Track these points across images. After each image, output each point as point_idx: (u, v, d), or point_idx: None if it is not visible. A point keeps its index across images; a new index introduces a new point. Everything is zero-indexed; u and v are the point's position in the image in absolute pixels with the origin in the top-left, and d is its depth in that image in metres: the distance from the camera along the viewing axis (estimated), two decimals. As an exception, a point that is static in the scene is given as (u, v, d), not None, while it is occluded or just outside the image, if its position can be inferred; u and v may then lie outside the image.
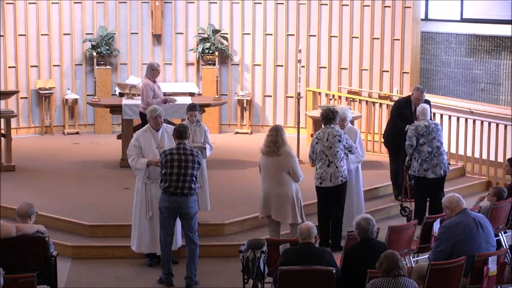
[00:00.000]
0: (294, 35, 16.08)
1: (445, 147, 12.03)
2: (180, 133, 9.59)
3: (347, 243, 8.53)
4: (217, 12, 16.32)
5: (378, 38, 15.32)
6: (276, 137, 10.00)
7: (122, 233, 10.71)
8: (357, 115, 14.46)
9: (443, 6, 15.97)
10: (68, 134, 16.03)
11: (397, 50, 15.15)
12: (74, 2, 16.07)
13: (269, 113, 16.45)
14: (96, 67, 15.36)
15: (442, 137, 11.70)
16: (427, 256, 8.84)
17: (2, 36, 15.64)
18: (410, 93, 12.59)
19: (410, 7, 14.97)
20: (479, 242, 8.26)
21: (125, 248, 10.39)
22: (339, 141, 10.54)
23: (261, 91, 16.42)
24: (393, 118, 12.43)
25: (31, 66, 15.94)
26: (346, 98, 15.38)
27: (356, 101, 15.27)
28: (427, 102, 12.15)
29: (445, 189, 11.57)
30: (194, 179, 9.52)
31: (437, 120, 13.67)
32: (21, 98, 15.87)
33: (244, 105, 16.34)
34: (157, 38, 16.40)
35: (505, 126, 13.34)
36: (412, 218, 11.33)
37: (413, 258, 9.58)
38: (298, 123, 14.14)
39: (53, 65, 16.10)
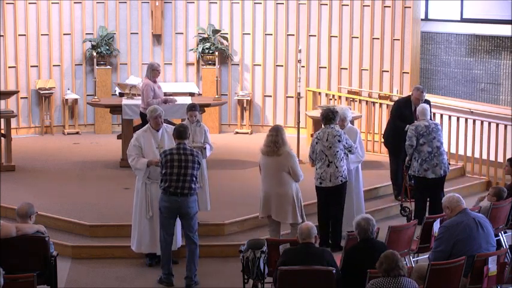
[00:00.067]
0: (294, 35, 16.09)
1: (445, 147, 12.03)
2: (180, 133, 9.60)
3: (347, 243, 8.53)
4: (217, 12, 16.32)
5: (378, 38, 15.32)
6: (276, 137, 10.00)
7: (122, 233, 10.71)
8: (357, 115, 14.46)
9: (443, 6, 15.97)
10: (68, 134, 16.03)
11: (397, 50, 15.15)
12: (74, 2, 16.07)
13: (269, 113, 16.45)
14: (96, 67, 15.36)
15: (442, 137, 11.70)
16: (427, 256, 8.84)
17: (2, 36, 15.65)
18: (410, 93, 12.59)
19: (410, 7, 14.97)
20: (479, 242, 8.26)
21: (125, 248, 10.39)
22: (339, 141, 10.54)
23: (261, 91, 16.42)
24: (393, 118, 12.42)
25: (31, 66, 15.94)
26: (346, 98, 15.38)
27: (356, 101, 15.27)
28: (427, 102, 12.15)
29: (445, 189, 11.57)
30: (194, 179, 9.52)
31: (437, 120, 13.67)
32: (21, 98, 15.87)
33: (244, 105, 16.34)
34: (157, 38, 16.40)
35: (505, 126, 13.34)
36: (412, 218, 11.33)
37: (413, 258, 9.57)
38: (298, 123, 14.14)
39: (53, 65, 16.10)
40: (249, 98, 16.29)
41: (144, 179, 10.08)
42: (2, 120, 13.31)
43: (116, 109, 13.75)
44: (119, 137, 13.82)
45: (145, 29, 16.36)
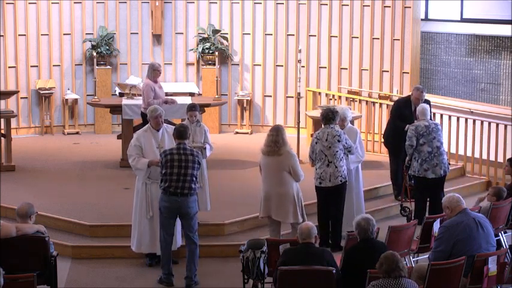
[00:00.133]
0: (294, 35, 16.09)
1: (445, 147, 12.03)
2: (181, 133, 9.59)
3: (347, 243, 8.53)
4: (217, 12, 16.32)
5: (378, 38, 15.32)
6: (276, 137, 10.00)
7: (122, 233, 10.71)
8: (357, 115, 14.46)
9: (443, 6, 15.97)
10: (68, 134, 16.03)
11: (397, 50, 15.15)
12: (74, 2, 16.07)
13: (269, 113, 16.45)
14: (96, 67, 15.36)
15: (442, 137, 11.70)
16: (427, 256, 8.84)
17: (2, 36, 15.65)
18: (410, 93, 12.59)
19: (410, 7, 14.97)
20: (479, 242, 8.26)
21: (125, 248, 10.39)
22: (339, 141, 10.54)
23: (261, 91, 16.42)
24: (393, 118, 12.42)
25: (31, 66, 15.94)
26: (346, 98, 15.38)
27: (356, 101, 15.27)
28: (427, 102, 12.15)
29: (445, 189, 11.57)
30: (194, 179, 9.52)
31: (437, 120, 13.67)
32: (21, 98, 15.87)
33: (244, 105, 16.34)
34: (157, 38, 16.40)
35: (505, 126, 13.34)
36: (412, 218, 11.33)
37: (413, 258, 9.57)
38: (298, 123, 14.14)
39: (53, 65, 16.10)
40: (249, 98, 16.29)
41: (144, 179, 10.08)
42: (2, 120, 13.31)
43: (116, 109, 13.75)
44: (118, 137, 13.82)
45: (145, 29, 16.37)
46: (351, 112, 12.49)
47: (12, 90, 15.31)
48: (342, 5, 15.64)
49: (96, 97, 14.52)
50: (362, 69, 15.54)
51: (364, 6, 15.42)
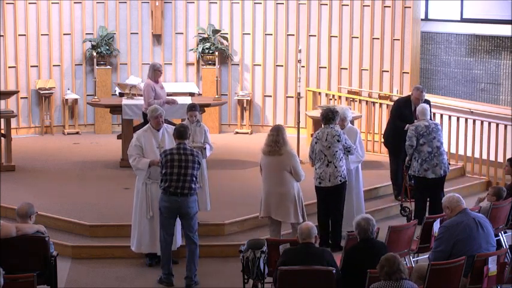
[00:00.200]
0: (294, 35, 16.09)
1: (445, 147, 12.03)
2: (181, 133, 9.59)
3: (347, 243, 8.53)
4: (217, 12, 16.32)
5: (378, 38, 15.32)
6: (277, 137, 10.00)
7: (122, 233, 10.71)
8: (357, 115, 14.46)
9: (443, 6, 15.97)
10: (68, 134, 16.03)
11: (397, 50, 15.15)
12: (74, 2, 16.07)
13: (269, 113, 16.45)
14: (96, 67, 15.37)
15: (442, 137, 11.70)
16: (427, 256, 8.84)
17: (2, 36, 15.65)
18: (410, 93, 12.59)
19: (410, 7, 14.97)
20: (479, 242, 8.26)
21: (124, 248, 10.39)
22: (338, 141, 10.53)
23: (261, 91, 16.43)
24: (393, 118, 12.42)
25: (31, 66, 15.94)
26: (346, 98, 15.38)
27: (356, 101, 15.27)
28: (427, 102, 12.15)
29: (445, 189, 11.57)
30: (194, 179, 9.52)
31: (437, 120, 13.67)
32: (21, 98, 15.87)
33: (244, 105, 16.34)
34: (157, 38, 16.40)
35: (505, 126, 13.34)
36: (412, 218, 11.33)
37: (413, 258, 9.57)
38: (298, 123, 14.14)
39: (53, 65, 16.10)
40: (249, 98, 16.29)
41: (144, 179, 10.08)
42: (2, 120, 13.31)
43: (116, 109, 13.75)
44: (119, 137, 13.82)
45: (145, 29, 16.37)
46: (351, 112, 12.49)
47: (12, 90, 15.32)
48: (342, 5, 15.64)
49: (96, 97, 14.52)
50: (362, 69, 15.54)
51: (364, 6, 15.42)
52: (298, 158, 10.31)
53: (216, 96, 14.87)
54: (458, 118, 13.94)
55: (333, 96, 15.57)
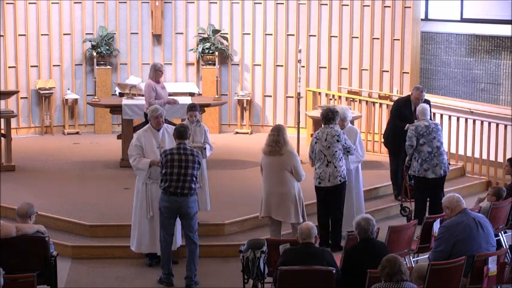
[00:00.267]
0: (294, 35, 16.09)
1: (445, 147, 12.03)
2: (181, 133, 9.60)
3: (347, 243, 8.53)
4: (217, 12, 16.32)
5: (378, 38, 15.32)
6: (278, 137, 10.01)
7: (122, 233, 10.71)
8: (357, 115, 14.46)
9: (443, 6, 15.97)
10: (68, 134, 16.03)
11: (397, 50, 15.15)
12: (74, 2, 16.07)
13: (269, 113, 16.45)
14: (96, 67, 15.37)
15: (442, 137, 11.70)
16: (427, 256, 8.84)
17: (2, 36, 15.65)
18: (410, 93, 12.59)
19: (410, 7, 14.97)
20: (479, 242, 8.26)
21: (124, 248, 10.39)
22: (338, 141, 10.53)
23: (261, 91, 16.43)
24: (393, 118, 12.42)
25: (31, 66, 15.94)
26: (346, 98, 15.38)
27: (356, 101, 15.27)
28: (427, 102, 12.15)
29: (445, 189, 11.57)
30: (194, 179, 9.52)
31: (437, 120, 13.67)
32: (21, 98, 15.87)
33: (244, 105, 16.34)
34: (157, 38, 16.40)
35: (505, 126, 13.34)
36: (412, 218, 11.33)
37: (413, 258, 9.57)
38: (298, 123, 14.15)
39: (53, 65, 16.11)
40: (249, 98, 16.29)
41: (145, 179, 10.08)
42: (2, 120, 13.31)
43: (116, 109, 13.75)
44: (119, 137, 13.82)
45: (145, 29, 16.37)
46: (351, 112, 12.49)
47: (12, 90, 15.32)
48: (342, 5, 15.64)
49: (96, 97, 14.52)
50: (362, 69, 15.54)
51: (364, 6, 15.42)
52: (299, 157, 10.31)
53: (216, 96, 14.87)
54: (458, 118, 13.94)
55: (333, 96, 15.57)
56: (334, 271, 7.67)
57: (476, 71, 15.51)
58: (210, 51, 16.09)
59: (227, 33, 16.29)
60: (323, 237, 10.56)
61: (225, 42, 16.30)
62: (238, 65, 16.43)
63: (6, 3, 15.64)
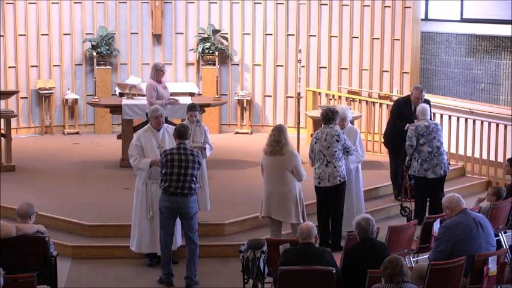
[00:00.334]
0: (294, 35, 16.09)
1: (445, 147, 12.03)
2: (181, 133, 9.60)
3: (347, 243, 8.53)
4: (217, 12, 16.32)
5: (378, 38, 15.32)
6: (279, 137, 10.01)
7: (122, 233, 10.70)
8: (357, 115, 14.46)
9: (443, 6, 15.97)
10: (68, 134, 16.03)
11: (397, 50, 15.15)
12: (74, 2, 16.07)
13: (269, 113, 16.45)
14: (96, 67, 15.37)
15: (442, 137, 11.70)
16: (427, 256, 8.84)
17: (2, 36, 15.65)
18: (410, 93, 12.59)
19: (410, 7, 14.97)
20: (479, 242, 8.26)
21: (124, 248, 10.39)
22: (337, 141, 10.53)
23: (261, 91, 16.43)
24: (393, 118, 12.42)
25: (31, 66, 15.94)
26: (346, 98, 15.38)
27: (356, 101, 15.27)
28: (427, 101, 12.15)
29: (445, 189, 11.57)
30: (194, 179, 9.52)
31: (437, 120, 13.67)
32: (21, 98, 15.87)
33: (244, 105, 16.34)
34: (157, 38, 16.40)
35: (505, 126, 13.34)
36: (412, 218, 11.33)
37: (413, 258, 9.57)
38: (298, 123, 14.15)
39: (53, 65, 16.11)
40: (249, 98, 16.29)
41: (145, 179, 10.08)
42: (2, 120, 13.31)
43: (116, 109, 13.75)
44: (119, 137, 13.82)
45: (145, 29, 16.37)
46: (351, 112, 12.49)
47: (12, 90, 15.31)
48: (342, 5, 15.64)
49: (96, 97, 14.52)
50: (362, 69, 15.54)
51: (364, 6, 15.42)
52: (300, 157, 10.31)
53: (216, 96, 14.87)
54: (458, 118, 13.94)
55: (333, 96, 15.57)
56: (334, 271, 7.67)
57: (476, 71, 15.51)
58: (210, 51, 16.09)
59: (227, 33, 16.29)
60: (323, 237, 10.56)
61: (225, 42, 16.30)
62: (238, 65, 16.43)
63: (6, 3, 15.64)
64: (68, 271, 10.06)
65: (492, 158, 13.42)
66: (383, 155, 14.19)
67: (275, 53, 16.26)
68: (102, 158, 14.16)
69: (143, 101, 13.35)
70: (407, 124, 11.70)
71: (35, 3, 15.85)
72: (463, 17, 15.77)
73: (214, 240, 10.77)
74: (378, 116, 14.85)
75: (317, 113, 12.95)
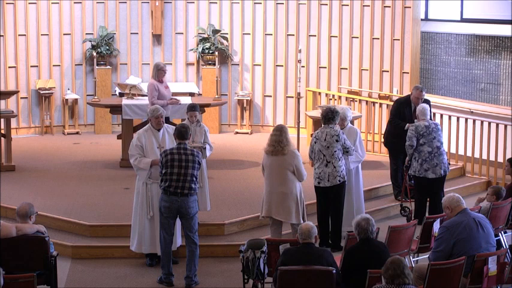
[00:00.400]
0: (294, 35, 16.09)
1: (445, 147, 12.03)
2: (181, 133, 9.60)
3: (347, 243, 8.53)
4: (217, 12, 16.32)
5: (378, 38, 15.32)
6: (280, 137, 10.02)
7: (122, 233, 10.71)
8: (357, 115, 14.45)
9: (443, 6, 15.97)
10: (68, 134, 16.03)
11: (397, 50, 15.15)
12: (74, 2, 16.07)
13: (269, 113, 16.45)
14: (96, 67, 15.37)
15: (442, 137, 11.70)
16: (427, 256, 8.84)
17: (2, 36, 15.65)
18: (410, 93, 12.59)
19: (410, 7, 14.97)
20: (479, 242, 8.27)
21: (124, 248, 10.39)
22: (337, 141, 10.53)
23: (261, 91, 16.43)
24: (393, 118, 12.42)
25: (31, 66, 15.94)
26: (346, 98, 15.39)
27: (356, 101, 15.27)
28: (427, 101, 12.16)
29: (445, 189, 11.58)
30: (194, 179, 9.52)
31: (437, 120, 13.67)
32: (21, 98, 15.87)
33: (244, 105, 16.34)
34: (157, 38, 16.40)
35: (505, 126, 13.34)
36: (412, 218, 11.33)
37: (413, 258, 9.57)
38: (298, 123, 14.15)
39: (53, 65, 16.11)
40: (249, 98, 16.29)
41: (145, 179, 10.08)
42: (2, 120, 13.31)
43: (116, 109, 13.75)
44: (118, 137, 13.82)
45: (145, 29, 16.37)
46: (351, 112, 12.48)
47: (12, 90, 15.31)
48: (342, 5, 15.64)
49: (96, 97, 14.52)
50: (362, 69, 15.54)
51: (364, 6, 15.43)
52: (301, 157, 10.31)
53: (216, 96, 14.87)
54: (458, 118, 13.95)
55: (333, 96, 15.57)
56: (334, 271, 7.67)
57: (476, 71, 15.51)
58: (210, 51, 16.09)
59: (227, 33, 16.29)
60: (323, 237, 10.56)
61: (225, 42, 16.30)
62: (238, 65, 16.43)
63: (6, 3, 15.64)
64: (68, 271, 10.06)
65: (492, 158, 13.43)
66: (383, 155, 14.19)
67: (275, 53, 16.26)
68: (102, 158, 14.16)
69: (143, 101, 13.35)
70: (408, 124, 11.71)
71: (35, 3, 15.85)
72: (463, 17, 15.76)
73: (214, 240, 10.77)
74: (378, 116, 14.85)
75: (317, 113, 12.95)
